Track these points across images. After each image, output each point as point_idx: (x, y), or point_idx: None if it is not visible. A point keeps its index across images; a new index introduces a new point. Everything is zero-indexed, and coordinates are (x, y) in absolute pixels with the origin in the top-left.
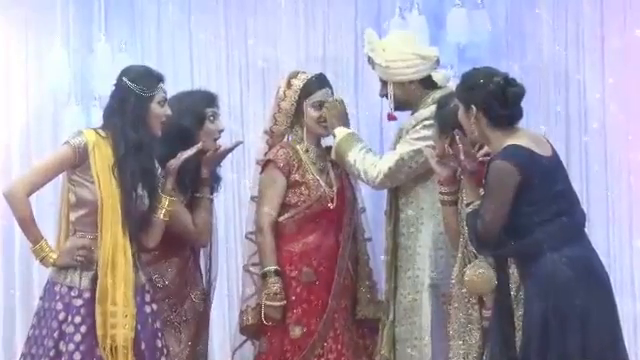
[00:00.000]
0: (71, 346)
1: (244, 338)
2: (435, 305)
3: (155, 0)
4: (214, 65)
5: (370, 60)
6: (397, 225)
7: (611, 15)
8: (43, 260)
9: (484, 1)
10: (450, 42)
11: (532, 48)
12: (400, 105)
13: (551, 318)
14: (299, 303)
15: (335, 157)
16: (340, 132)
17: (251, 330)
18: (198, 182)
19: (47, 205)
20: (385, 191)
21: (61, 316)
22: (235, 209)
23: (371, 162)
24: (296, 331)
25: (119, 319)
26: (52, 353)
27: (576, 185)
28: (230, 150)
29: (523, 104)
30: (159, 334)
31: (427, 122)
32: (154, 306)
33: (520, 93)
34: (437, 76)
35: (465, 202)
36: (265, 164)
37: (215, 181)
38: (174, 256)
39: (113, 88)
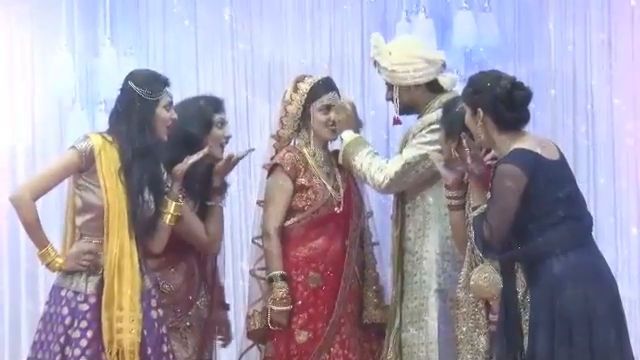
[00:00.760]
0: (77, 351)
1: (250, 343)
2: (442, 310)
3: (160, 4)
4: (220, 69)
5: (376, 64)
6: (403, 230)
7: (619, 19)
8: (49, 265)
9: (491, 4)
10: (457, 45)
11: (539, 51)
12: (406, 109)
13: (557, 323)
14: (305, 308)
15: (342, 161)
16: (347, 136)
17: (257, 335)
18: (209, 191)
19: (53, 210)
20: (392, 195)
21: (67, 321)
22: (241, 213)
23: (377, 166)
24: (302, 336)
25: (125, 324)
26: (58, 358)
27: (583, 189)
28: (241, 158)
29: (530, 107)
30: (165, 339)
31: (434, 126)
32: (160, 311)
33: (527, 97)
34: (444, 80)
35: (472, 206)
36: (272, 168)
37: (224, 188)
38: (181, 262)
39: (119, 92)
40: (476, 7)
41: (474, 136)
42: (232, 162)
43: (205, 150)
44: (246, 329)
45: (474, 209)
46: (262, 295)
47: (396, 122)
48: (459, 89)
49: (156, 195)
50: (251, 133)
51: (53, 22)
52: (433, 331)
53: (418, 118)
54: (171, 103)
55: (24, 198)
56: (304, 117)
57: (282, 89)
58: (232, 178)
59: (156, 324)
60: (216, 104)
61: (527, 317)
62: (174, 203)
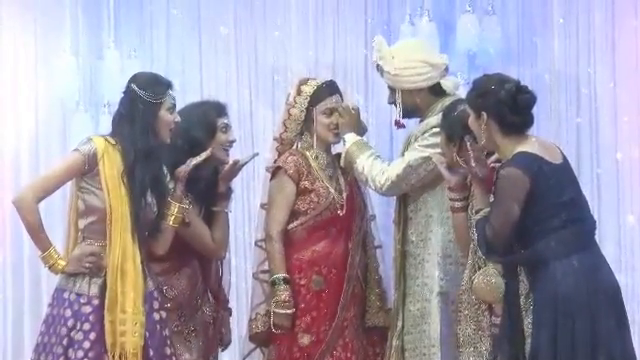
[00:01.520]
0: (80, 353)
1: (253, 346)
2: (444, 313)
3: (164, 7)
4: (223, 72)
5: (379, 68)
6: (405, 232)
7: (622, 21)
8: (52, 267)
9: (495, 7)
10: (460, 49)
11: (543, 54)
12: (408, 112)
13: (560, 326)
14: (308, 311)
15: (344, 163)
16: (350, 138)
17: (260, 338)
18: (215, 196)
19: (56, 212)
20: (394, 198)
21: (70, 323)
22: (244, 216)
23: (379, 169)
24: (305, 339)
25: (128, 326)
26: None
27: (586, 191)
28: (246, 163)
29: (534, 111)
30: (168, 341)
31: (436, 129)
32: (162, 313)
33: (531, 100)
34: (446, 83)
35: (474, 209)
36: (275, 171)
37: (229, 194)
38: (184, 267)
39: (122, 95)
40: (480, 10)
41: (477, 139)
42: (237, 167)
43: (208, 152)
44: (249, 332)
45: (477, 212)
46: (265, 298)
47: (398, 125)
48: (462, 92)
49: (159, 197)
50: (254, 137)
51: (57, 25)
52: (435, 334)
53: (420, 121)
54: (174, 106)
55: (27, 200)
56: (307, 120)
57: (285, 93)
58: (235, 181)
59: (159, 326)
60: (220, 109)
61: (529, 320)
62: (177, 205)
